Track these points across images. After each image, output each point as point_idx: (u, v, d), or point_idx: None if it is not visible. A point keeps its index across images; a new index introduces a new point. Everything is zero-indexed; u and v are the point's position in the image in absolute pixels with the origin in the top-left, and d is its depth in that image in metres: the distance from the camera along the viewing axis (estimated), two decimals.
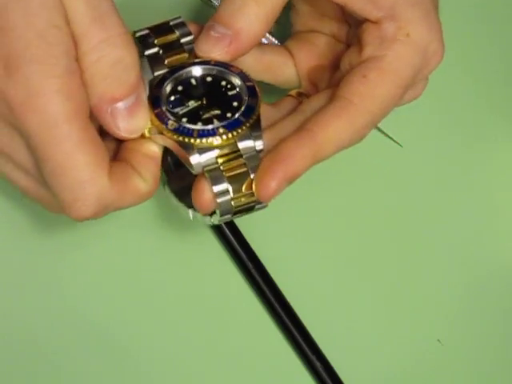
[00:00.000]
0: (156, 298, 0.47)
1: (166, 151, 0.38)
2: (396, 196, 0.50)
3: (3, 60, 0.32)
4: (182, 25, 0.38)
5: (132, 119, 0.35)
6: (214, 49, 0.37)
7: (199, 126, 0.35)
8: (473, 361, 0.50)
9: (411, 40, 0.38)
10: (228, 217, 0.37)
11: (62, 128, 0.32)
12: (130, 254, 0.47)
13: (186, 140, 0.35)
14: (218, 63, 0.37)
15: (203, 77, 0.37)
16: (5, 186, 0.38)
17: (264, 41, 0.48)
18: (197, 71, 0.37)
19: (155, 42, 0.38)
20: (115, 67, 0.34)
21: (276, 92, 0.42)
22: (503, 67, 0.53)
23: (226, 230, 0.47)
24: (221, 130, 0.35)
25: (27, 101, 0.32)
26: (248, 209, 0.36)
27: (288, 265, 0.48)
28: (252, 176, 0.36)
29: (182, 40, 0.38)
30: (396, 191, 0.50)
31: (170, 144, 0.36)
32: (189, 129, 0.35)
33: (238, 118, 0.36)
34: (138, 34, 0.38)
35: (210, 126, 0.35)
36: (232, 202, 0.36)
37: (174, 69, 0.37)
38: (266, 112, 0.39)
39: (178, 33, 0.38)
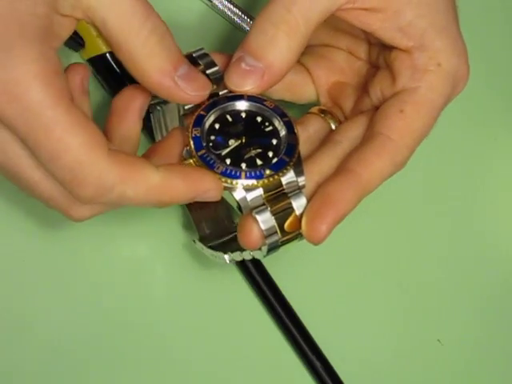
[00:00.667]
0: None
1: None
2: (394, 195, 0.50)
3: None
4: (205, 56, 0.38)
5: (196, 81, 0.35)
6: (246, 82, 0.37)
7: (246, 169, 0.36)
8: (473, 361, 0.50)
9: (442, 69, 0.38)
10: (273, 252, 0.37)
11: (47, 114, 0.32)
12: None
13: (234, 183, 0.35)
14: (251, 97, 0.37)
15: (239, 112, 0.37)
16: None
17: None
18: (233, 107, 0.37)
19: None
20: (164, 41, 0.34)
21: (292, 106, 0.42)
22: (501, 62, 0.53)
23: None
24: (267, 172, 0.36)
25: (4, 91, 0.31)
26: (291, 241, 0.37)
27: (288, 265, 0.48)
28: (298, 213, 0.36)
29: (208, 71, 0.38)
30: (394, 191, 0.50)
31: None
32: (236, 171, 0.36)
33: (282, 158, 0.36)
34: None
35: (256, 169, 0.36)
36: (280, 241, 0.37)
37: (208, 105, 0.37)
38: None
39: (202, 64, 0.38)
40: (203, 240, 0.44)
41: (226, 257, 0.41)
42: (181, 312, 0.47)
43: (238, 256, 0.40)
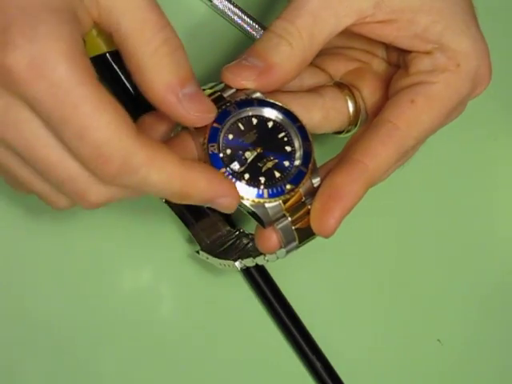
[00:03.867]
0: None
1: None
2: (394, 195, 0.50)
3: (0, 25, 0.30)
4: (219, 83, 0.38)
5: (200, 103, 0.34)
6: (242, 74, 0.37)
7: (266, 185, 0.36)
8: (473, 361, 0.50)
9: (461, 70, 0.38)
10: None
11: (77, 91, 0.31)
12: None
13: (257, 201, 0.36)
14: (261, 101, 0.37)
15: (249, 119, 0.37)
16: None
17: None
18: (244, 114, 0.37)
19: None
20: (174, 55, 0.34)
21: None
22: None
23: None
24: (288, 187, 0.36)
25: (32, 66, 0.31)
26: (307, 242, 0.38)
27: (288, 265, 0.48)
28: None
29: (224, 94, 0.37)
30: (394, 191, 0.50)
31: None
32: (258, 190, 0.36)
33: (300, 169, 0.36)
34: None
35: (277, 184, 0.36)
36: (298, 245, 0.37)
37: (220, 114, 0.36)
38: (306, 98, 0.39)
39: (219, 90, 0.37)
40: (206, 250, 0.44)
41: (237, 264, 0.41)
42: (181, 312, 0.47)
43: (250, 262, 0.41)
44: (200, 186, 0.34)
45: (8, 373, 0.45)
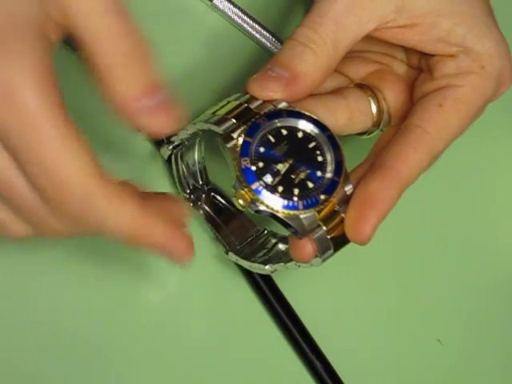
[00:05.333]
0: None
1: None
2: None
3: None
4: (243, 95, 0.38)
5: (165, 112, 0.32)
6: (269, 85, 0.37)
7: (301, 196, 0.36)
8: (473, 361, 0.50)
9: (486, 72, 0.38)
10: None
11: (45, 126, 0.30)
12: None
13: (292, 213, 0.36)
14: (290, 112, 0.37)
15: (278, 130, 0.37)
16: None
17: (266, 43, 0.49)
18: (273, 126, 0.37)
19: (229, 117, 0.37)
20: (140, 63, 0.32)
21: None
22: None
23: None
24: (322, 197, 0.36)
25: (2, 96, 0.30)
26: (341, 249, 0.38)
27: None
28: None
29: (251, 106, 0.37)
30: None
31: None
32: (293, 202, 0.36)
33: (333, 179, 0.36)
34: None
35: (311, 195, 0.36)
36: (333, 253, 0.37)
37: (250, 128, 0.36)
38: (330, 101, 0.39)
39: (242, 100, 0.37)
40: (235, 252, 0.44)
41: (268, 267, 0.42)
42: (180, 312, 0.47)
43: (281, 267, 0.41)
44: (155, 233, 0.33)
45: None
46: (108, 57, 0.32)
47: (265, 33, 0.49)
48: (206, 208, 0.46)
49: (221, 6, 0.48)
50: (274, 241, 0.45)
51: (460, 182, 0.52)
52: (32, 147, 0.31)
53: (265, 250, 0.44)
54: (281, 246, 0.44)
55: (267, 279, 0.47)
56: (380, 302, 0.49)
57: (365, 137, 0.42)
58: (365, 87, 0.41)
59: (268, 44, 0.49)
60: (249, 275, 0.47)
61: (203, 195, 0.46)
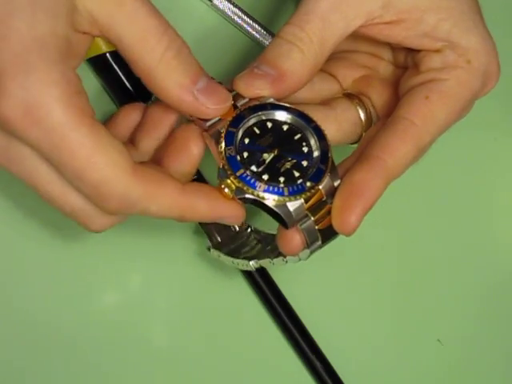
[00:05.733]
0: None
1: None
2: (393, 196, 0.50)
3: None
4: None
5: (216, 94, 0.35)
6: (255, 83, 0.37)
7: (287, 184, 0.36)
8: (473, 361, 0.50)
9: (472, 66, 0.38)
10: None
11: (71, 136, 0.32)
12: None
13: (278, 199, 0.35)
14: (274, 105, 0.37)
15: (263, 122, 0.37)
16: None
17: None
18: (258, 118, 0.37)
19: None
20: (180, 55, 0.34)
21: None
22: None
23: None
24: (308, 184, 0.36)
25: (27, 113, 0.31)
26: (330, 242, 0.38)
27: (287, 265, 0.48)
28: None
29: (238, 103, 0.37)
30: (393, 192, 0.50)
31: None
32: (279, 188, 0.35)
33: (319, 167, 0.36)
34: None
35: (297, 182, 0.36)
36: (321, 245, 0.37)
37: (234, 119, 0.36)
38: (319, 112, 0.39)
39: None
40: (217, 248, 0.44)
41: (252, 263, 0.41)
42: (181, 312, 0.47)
43: (267, 263, 0.41)
44: (202, 211, 0.35)
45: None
46: (151, 57, 0.34)
47: (265, 33, 0.49)
48: None
49: (221, 6, 0.48)
50: (255, 239, 0.44)
51: (460, 181, 0.52)
52: (63, 159, 0.32)
53: (248, 247, 0.44)
54: (261, 245, 0.44)
55: (267, 279, 0.47)
56: (380, 302, 0.49)
57: (356, 144, 0.42)
58: (352, 96, 0.41)
59: (266, 43, 0.49)
60: (249, 275, 0.47)
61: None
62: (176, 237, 0.47)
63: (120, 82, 0.45)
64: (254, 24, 0.49)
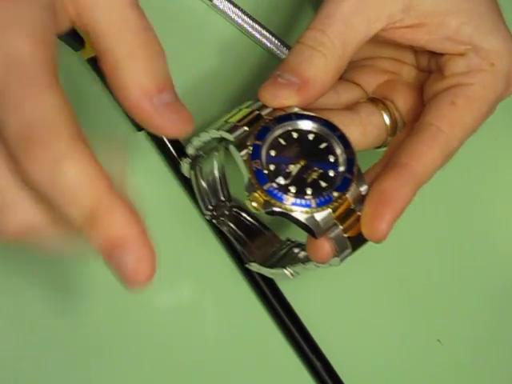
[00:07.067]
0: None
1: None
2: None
3: None
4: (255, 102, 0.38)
5: (177, 112, 0.32)
6: (280, 93, 0.36)
7: (315, 196, 0.36)
8: (473, 361, 0.50)
9: (496, 69, 0.39)
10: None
11: (32, 67, 0.29)
12: None
13: (305, 212, 0.35)
14: (299, 115, 0.37)
15: (289, 133, 0.37)
16: None
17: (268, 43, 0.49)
18: (284, 129, 0.37)
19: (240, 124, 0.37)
20: (153, 60, 0.32)
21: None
22: None
23: None
24: (335, 194, 0.36)
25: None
26: (360, 248, 0.38)
27: None
28: None
29: (263, 112, 0.37)
30: None
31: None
32: (306, 200, 0.36)
33: (345, 176, 0.36)
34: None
35: (324, 193, 0.36)
36: (351, 252, 0.37)
37: (259, 132, 0.36)
38: (343, 117, 0.39)
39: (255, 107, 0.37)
40: (257, 262, 0.45)
41: (287, 272, 0.42)
42: (181, 312, 0.47)
43: (300, 269, 0.41)
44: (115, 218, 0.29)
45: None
46: (122, 50, 0.31)
47: (264, 32, 0.49)
48: (231, 225, 0.46)
49: (221, 6, 0.48)
50: (296, 251, 0.45)
51: (460, 181, 0.52)
52: (9, 82, 0.29)
53: (288, 259, 0.44)
54: (304, 253, 0.44)
55: (268, 279, 0.47)
56: (380, 302, 0.49)
57: (382, 149, 0.42)
58: (376, 100, 0.41)
59: (268, 44, 0.49)
60: (249, 275, 0.47)
61: (226, 211, 0.45)
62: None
63: None
64: (254, 24, 0.49)
